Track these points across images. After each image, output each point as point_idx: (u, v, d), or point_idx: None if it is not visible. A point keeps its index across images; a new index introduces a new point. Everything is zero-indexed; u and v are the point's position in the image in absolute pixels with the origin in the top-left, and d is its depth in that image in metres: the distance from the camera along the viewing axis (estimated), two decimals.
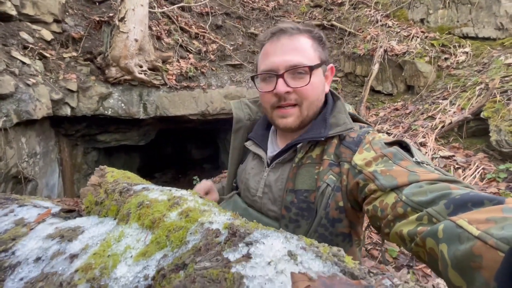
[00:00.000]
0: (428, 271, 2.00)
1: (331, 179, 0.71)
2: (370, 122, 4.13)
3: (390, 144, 0.66)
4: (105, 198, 0.76)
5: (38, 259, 0.51)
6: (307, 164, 0.77)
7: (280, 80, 0.72)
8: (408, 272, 2.02)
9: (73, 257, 0.44)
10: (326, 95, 0.84)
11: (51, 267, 0.45)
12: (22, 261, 0.53)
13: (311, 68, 0.72)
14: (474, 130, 3.01)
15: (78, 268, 0.39)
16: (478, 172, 2.48)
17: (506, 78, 3.14)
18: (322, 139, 0.74)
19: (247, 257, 0.24)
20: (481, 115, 2.87)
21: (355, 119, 0.83)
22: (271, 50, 0.75)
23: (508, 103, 2.76)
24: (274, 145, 0.88)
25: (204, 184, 1.00)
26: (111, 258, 0.39)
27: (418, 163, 0.57)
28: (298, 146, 0.76)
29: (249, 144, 0.92)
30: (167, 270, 0.25)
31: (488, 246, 0.31)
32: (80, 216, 0.82)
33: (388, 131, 3.63)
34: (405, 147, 0.64)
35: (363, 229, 0.86)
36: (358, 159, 0.67)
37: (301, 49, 0.74)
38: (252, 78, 0.84)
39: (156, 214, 0.45)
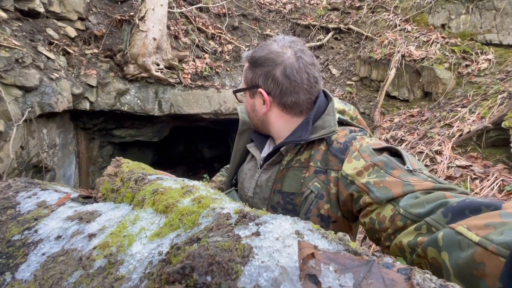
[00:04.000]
0: None
1: (316, 186, 0.73)
2: (380, 125, 4.05)
3: (379, 150, 0.65)
4: (121, 186, 0.80)
5: (59, 237, 0.55)
6: (295, 167, 0.79)
7: None
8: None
9: (91, 236, 0.47)
10: (317, 97, 0.82)
11: (71, 244, 0.48)
12: (44, 238, 0.57)
13: (234, 92, 0.92)
14: (494, 140, 2.90)
15: (96, 246, 0.42)
16: (496, 184, 2.38)
17: None
18: (302, 142, 0.75)
19: (257, 234, 0.25)
20: (502, 125, 2.76)
21: (347, 124, 0.82)
22: None
23: None
24: (271, 147, 0.91)
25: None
26: (127, 238, 0.42)
27: (410, 171, 0.57)
28: (282, 149, 0.79)
29: (249, 146, 0.96)
30: (181, 244, 0.27)
31: (489, 253, 0.31)
32: (97, 202, 0.86)
33: (403, 138, 3.55)
34: (395, 153, 0.64)
35: (358, 239, 0.86)
36: (348, 168, 0.66)
37: (243, 74, 0.88)
38: None
39: (170, 200, 0.47)
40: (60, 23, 3.97)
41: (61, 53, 3.82)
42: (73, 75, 3.83)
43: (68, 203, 0.78)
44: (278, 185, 0.79)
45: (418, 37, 4.82)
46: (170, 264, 0.24)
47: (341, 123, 0.82)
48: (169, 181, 0.64)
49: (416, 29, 5.03)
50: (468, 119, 3.24)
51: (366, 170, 0.62)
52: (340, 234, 0.27)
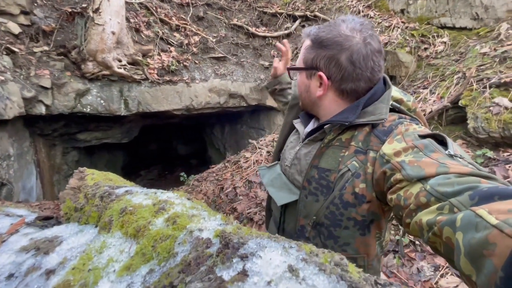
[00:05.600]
0: (413, 255, 2.09)
1: (353, 165, 0.72)
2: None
3: (424, 136, 0.64)
4: (85, 204, 0.72)
5: (10, 276, 0.47)
6: (335, 146, 0.79)
7: None
8: (394, 257, 2.10)
9: (49, 273, 0.40)
10: (383, 80, 0.80)
11: (25, 285, 0.41)
12: None
13: (288, 69, 0.91)
14: (453, 117, 3.13)
15: (55, 287, 0.36)
16: None
17: (482, 67, 3.26)
18: (346, 124, 0.74)
19: (243, 274, 0.22)
20: (459, 103, 2.98)
21: (399, 111, 0.80)
22: None
23: (484, 91, 2.88)
24: (315, 124, 0.91)
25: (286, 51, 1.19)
26: (92, 273, 0.36)
27: (451, 155, 0.55)
28: (326, 127, 0.79)
29: (295, 122, 0.98)
30: None
31: (504, 235, 0.31)
32: (59, 223, 0.77)
33: None
34: (441, 141, 0.62)
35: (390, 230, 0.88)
36: (388, 148, 0.65)
37: (300, 52, 0.84)
38: None
39: (141, 222, 0.42)
40: (0, 19, 3.51)
41: (4, 53, 3.40)
42: (21, 76, 3.43)
43: (22, 230, 0.68)
44: (316, 160, 0.80)
45: (381, 22, 4.99)
46: None
47: (394, 110, 0.79)
48: (139, 196, 0.58)
49: (379, 15, 5.20)
50: (429, 99, 3.45)
51: (405, 151, 0.61)
52: (337, 258, 0.25)
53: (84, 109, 3.90)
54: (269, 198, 1.13)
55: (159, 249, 0.33)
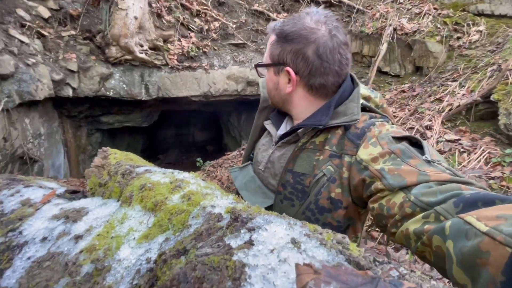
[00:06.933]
0: None
1: (329, 169, 0.72)
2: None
3: (399, 138, 0.63)
4: (108, 180, 0.77)
5: (44, 239, 0.52)
6: (309, 149, 0.77)
7: None
8: (407, 253, 2.07)
9: (77, 238, 0.45)
10: (343, 81, 0.78)
11: (57, 247, 0.45)
12: (29, 240, 0.55)
13: (255, 66, 0.86)
14: (483, 113, 2.94)
15: (83, 249, 0.40)
16: (483, 156, 2.45)
17: None
18: (320, 127, 0.73)
19: (249, 243, 0.23)
20: (491, 98, 2.79)
21: (369, 110, 0.79)
22: None
23: None
24: (288, 125, 0.89)
25: None
26: (115, 239, 0.40)
27: (428, 161, 0.55)
28: (299, 131, 0.78)
29: (266, 123, 0.96)
30: (168, 255, 0.25)
31: (496, 242, 0.31)
32: (85, 197, 0.83)
33: (394, 114, 3.57)
34: (415, 143, 0.62)
35: (365, 226, 0.87)
36: (364, 154, 0.65)
37: (266, 48, 0.81)
38: None
39: (159, 197, 0.45)
40: (31, 3, 3.67)
41: (36, 36, 3.57)
42: (51, 59, 3.61)
43: (53, 200, 0.74)
44: (290, 164, 0.79)
45: (410, 9, 4.69)
46: (157, 280, 0.22)
47: (364, 109, 0.79)
48: (158, 175, 0.61)
49: (409, 1, 4.88)
50: (458, 93, 3.25)
51: (382, 157, 0.61)
52: (339, 236, 0.26)
53: (108, 93, 4.06)
54: None
55: (175, 221, 0.35)
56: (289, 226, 0.26)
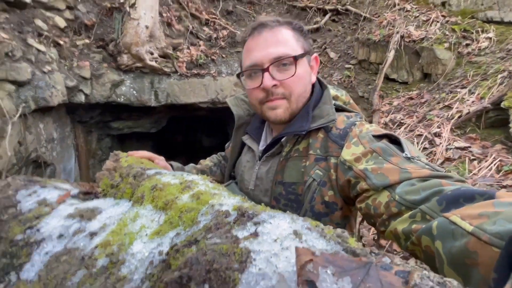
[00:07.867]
0: None
1: (317, 174, 0.72)
2: (379, 109, 4.02)
3: (379, 137, 0.65)
4: (120, 182, 0.80)
5: (61, 236, 0.55)
6: (294, 157, 0.78)
7: (266, 74, 0.71)
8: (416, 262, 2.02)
9: (92, 234, 0.47)
10: (313, 85, 0.82)
11: (73, 243, 0.48)
12: (47, 237, 0.58)
13: (296, 58, 0.71)
14: (493, 120, 2.89)
15: (98, 244, 0.42)
16: (494, 164, 2.40)
17: None
18: (303, 133, 0.74)
19: (255, 235, 0.25)
20: (502, 105, 2.75)
21: (341, 109, 0.81)
22: (254, 45, 0.75)
23: None
24: (268, 138, 0.89)
25: (146, 152, 0.96)
26: (128, 236, 0.42)
27: (408, 158, 0.56)
28: (282, 140, 0.78)
29: (245, 138, 0.93)
30: (180, 246, 0.27)
31: (482, 242, 0.32)
32: (97, 198, 0.86)
33: (402, 121, 3.54)
34: (395, 140, 0.64)
35: (358, 223, 0.87)
36: (347, 154, 0.66)
37: (283, 40, 0.73)
38: (238, 76, 0.82)
39: (169, 197, 0.47)
40: (48, 13, 3.84)
41: (52, 45, 3.72)
42: (65, 67, 3.75)
43: (68, 200, 0.78)
44: (279, 176, 0.79)
45: (418, 16, 4.69)
46: (170, 267, 0.24)
47: (336, 109, 0.80)
48: (168, 176, 0.64)
49: (416, 8, 4.89)
50: (468, 100, 3.22)
51: (364, 156, 0.62)
52: (339, 230, 0.28)
53: (118, 99, 4.17)
54: None
55: (185, 218, 0.38)
56: (292, 220, 0.28)
